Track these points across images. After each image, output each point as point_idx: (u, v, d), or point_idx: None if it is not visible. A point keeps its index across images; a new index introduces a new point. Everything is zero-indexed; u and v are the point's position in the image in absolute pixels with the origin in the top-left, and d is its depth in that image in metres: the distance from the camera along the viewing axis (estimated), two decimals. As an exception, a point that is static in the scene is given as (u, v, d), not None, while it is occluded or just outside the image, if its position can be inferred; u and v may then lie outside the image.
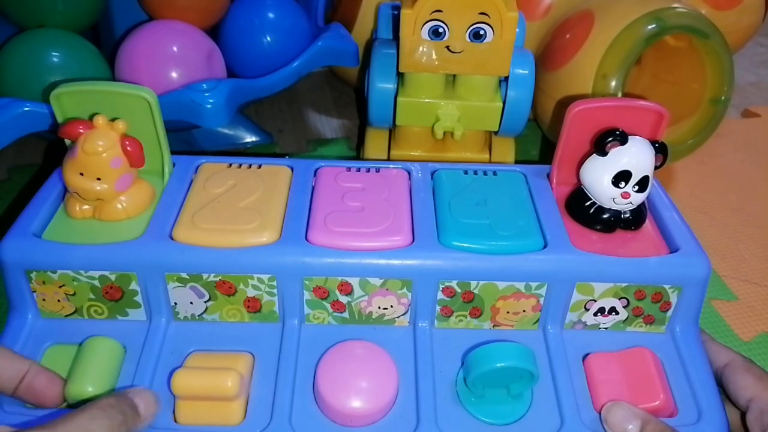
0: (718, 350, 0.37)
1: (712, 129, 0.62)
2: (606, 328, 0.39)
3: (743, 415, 0.34)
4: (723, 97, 0.61)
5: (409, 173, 0.43)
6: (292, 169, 0.42)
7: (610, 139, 0.37)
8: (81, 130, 0.36)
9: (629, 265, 0.36)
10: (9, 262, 0.36)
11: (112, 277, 0.36)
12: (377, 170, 0.42)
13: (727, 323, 0.50)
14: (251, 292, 0.37)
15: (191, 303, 0.37)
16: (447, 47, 0.49)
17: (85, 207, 0.38)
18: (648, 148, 0.37)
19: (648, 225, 0.40)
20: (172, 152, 0.41)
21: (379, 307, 0.37)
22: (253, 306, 0.37)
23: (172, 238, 0.36)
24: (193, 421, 0.33)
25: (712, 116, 0.61)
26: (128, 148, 0.37)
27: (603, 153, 0.37)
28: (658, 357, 0.37)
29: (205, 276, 0.36)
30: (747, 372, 0.35)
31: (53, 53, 0.52)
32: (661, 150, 0.38)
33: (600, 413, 0.34)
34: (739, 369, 0.35)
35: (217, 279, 0.36)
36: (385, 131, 0.59)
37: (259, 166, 0.42)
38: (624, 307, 0.38)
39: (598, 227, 0.39)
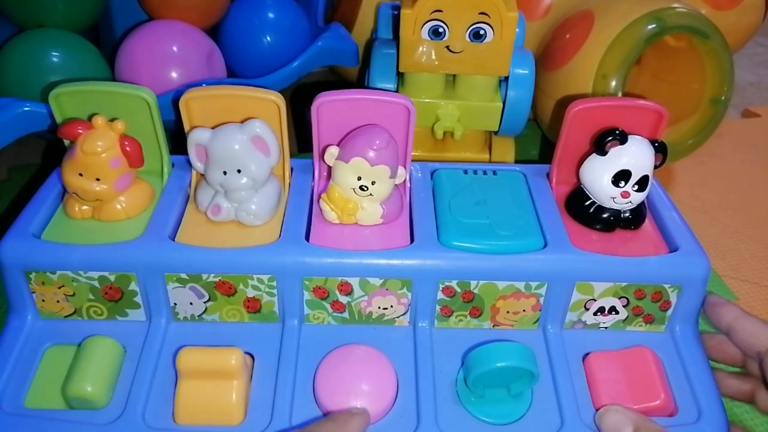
0: (758, 329, 0.34)
1: (712, 129, 0.62)
2: (606, 328, 0.39)
3: None
4: (723, 97, 0.61)
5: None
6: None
7: (609, 138, 0.37)
8: (80, 131, 0.36)
9: (629, 264, 0.36)
10: (8, 262, 0.36)
11: (112, 278, 0.36)
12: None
13: (727, 323, 0.50)
14: (251, 293, 0.37)
15: (191, 303, 0.37)
16: (447, 47, 0.49)
17: (85, 207, 0.38)
18: (648, 148, 0.37)
19: (648, 224, 0.40)
20: (172, 152, 0.41)
21: (379, 307, 0.37)
22: (253, 306, 0.37)
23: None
24: (193, 421, 0.33)
25: (712, 116, 0.61)
26: (127, 149, 0.37)
27: (603, 152, 0.37)
28: (658, 356, 0.37)
29: (204, 276, 0.36)
30: None
31: (53, 53, 0.52)
32: (660, 149, 0.38)
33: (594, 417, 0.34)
34: None
35: (217, 279, 0.36)
36: (384, 131, 0.59)
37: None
38: (624, 306, 0.38)
39: (598, 227, 0.39)
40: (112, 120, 0.36)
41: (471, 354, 0.34)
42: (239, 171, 0.36)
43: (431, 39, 0.49)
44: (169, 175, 0.41)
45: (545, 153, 0.69)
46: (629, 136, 0.37)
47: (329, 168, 0.38)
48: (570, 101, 0.39)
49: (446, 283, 0.36)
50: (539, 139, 0.70)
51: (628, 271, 0.36)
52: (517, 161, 0.58)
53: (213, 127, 0.37)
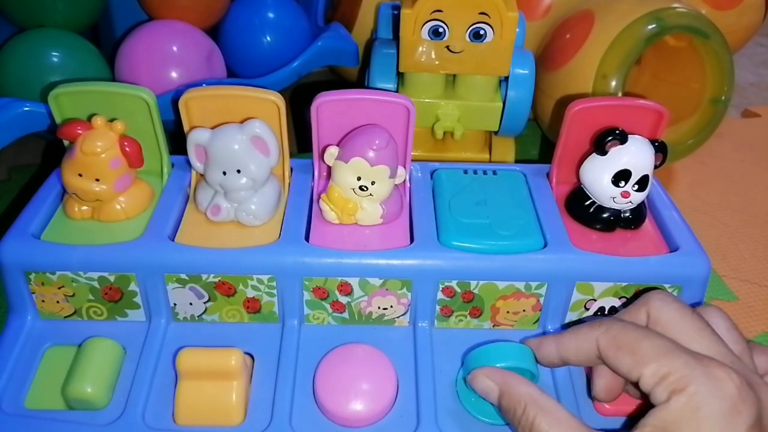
0: (579, 341, 0.31)
1: (712, 129, 0.62)
2: (606, 328, 0.39)
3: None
4: (723, 97, 0.61)
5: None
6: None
7: (609, 138, 0.37)
8: (79, 131, 0.36)
9: (629, 264, 0.36)
10: (8, 263, 0.36)
11: (112, 278, 0.36)
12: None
13: (727, 323, 0.50)
14: (251, 293, 0.37)
15: (191, 304, 0.37)
16: (447, 47, 0.49)
17: (84, 208, 0.38)
18: (648, 147, 0.37)
19: (648, 224, 0.40)
20: (171, 152, 0.41)
21: (379, 308, 0.37)
22: (253, 306, 0.37)
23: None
24: (193, 421, 0.33)
25: (712, 116, 0.61)
26: (127, 149, 0.37)
27: (603, 152, 0.37)
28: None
29: (204, 277, 0.36)
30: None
31: (53, 53, 0.52)
32: (660, 149, 0.38)
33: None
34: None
35: (217, 280, 0.36)
36: (384, 131, 0.59)
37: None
38: (624, 306, 0.38)
39: (598, 226, 0.39)
40: (112, 120, 0.36)
41: (471, 354, 0.34)
42: (239, 171, 0.36)
43: (431, 39, 0.49)
44: (169, 175, 0.41)
45: (545, 153, 0.69)
46: (629, 136, 0.37)
47: (329, 168, 0.38)
48: (570, 101, 0.39)
49: (446, 283, 0.36)
50: (539, 139, 0.70)
51: (628, 271, 0.36)
52: (517, 161, 0.58)
53: (213, 128, 0.37)
